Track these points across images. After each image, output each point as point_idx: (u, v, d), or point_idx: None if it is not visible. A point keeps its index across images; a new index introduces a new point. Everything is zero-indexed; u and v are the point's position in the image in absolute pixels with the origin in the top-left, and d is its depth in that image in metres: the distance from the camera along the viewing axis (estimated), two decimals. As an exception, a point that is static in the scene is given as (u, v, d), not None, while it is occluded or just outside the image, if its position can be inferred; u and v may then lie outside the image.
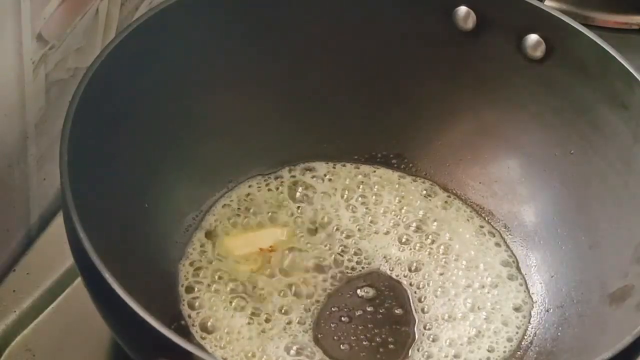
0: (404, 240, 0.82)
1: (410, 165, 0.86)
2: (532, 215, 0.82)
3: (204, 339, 0.74)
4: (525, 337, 0.77)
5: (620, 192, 0.77)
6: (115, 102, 0.73)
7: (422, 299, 0.79)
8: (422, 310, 0.78)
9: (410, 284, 0.79)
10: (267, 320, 0.75)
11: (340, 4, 0.81)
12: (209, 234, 0.80)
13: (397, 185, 0.85)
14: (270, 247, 0.80)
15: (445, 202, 0.84)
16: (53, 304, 0.79)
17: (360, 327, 0.77)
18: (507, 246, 0.82)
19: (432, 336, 0.76)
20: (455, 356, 0.75)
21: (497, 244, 0.82)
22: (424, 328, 0.77)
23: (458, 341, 0.76)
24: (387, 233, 0.82)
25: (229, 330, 0.74)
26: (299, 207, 0.83)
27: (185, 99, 0.79)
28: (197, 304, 0.76)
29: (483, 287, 0.79)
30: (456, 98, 0.83)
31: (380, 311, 0.78)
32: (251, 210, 0.82)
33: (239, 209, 0.82)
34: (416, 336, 0.76)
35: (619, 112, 0.77)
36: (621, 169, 0.77)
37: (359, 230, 0.82)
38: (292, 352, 0.74)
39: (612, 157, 0.78)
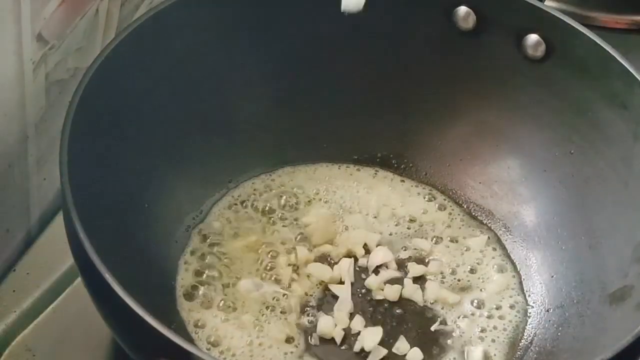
0: (407, 241, 0.82)
1: (411, 165, 0.86)
2: (532, 215, 0.82)
3: (209, 350, 0.74)
4: (525, 337, 0.77)
5: (620, 192, 0.77)
6: (115, 102, 0.73)
7: (431, 298, 0.79)
8: (437, 307, 0.78)
9: (420, 284, 0.79)
10: (265, 321, 0.75)
11: (340, 4, 0.81)
12: (209, 234, 0.80)
13: (397, 187, 0.85)
14: (271, 247, 0.80)
15: (445, 204, 0.84)
16: (53, 304, 0.79)
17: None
18: (505, 248, 0.82)
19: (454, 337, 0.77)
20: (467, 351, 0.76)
21: (494, 249, 0.82)
22: (456, 333, 0.77)
23: (470, 336, 0.77)
24: (390, 235, 0.82)
25: (227, 334, 0.74)
26: (299, 208, 0.83)
27: (185, 98, 0.79)
28: (196, 304, 0.76)
29: (483, 289, 0.79)
30: (456, 98, 0.83)
31: (381, 310, 0.78)
32: (251, 211, 0.82)
33: (239, 209, 0.82)
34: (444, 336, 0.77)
35: (619, 112, 0.77)
36: (621, 169, 0.77)
37: (362, 232, 0.82)
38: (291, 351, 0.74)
39: (612, 157, 0.78)
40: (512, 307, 0.79)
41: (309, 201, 0.83)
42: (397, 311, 0.78)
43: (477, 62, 0.82)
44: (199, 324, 0.74)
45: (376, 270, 0.80)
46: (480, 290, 0.79)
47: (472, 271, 0.81)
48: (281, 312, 0.76)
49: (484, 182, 0.84)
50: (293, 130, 0.84)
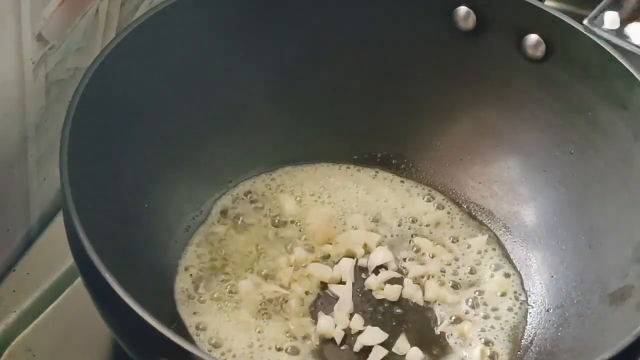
0: (407, 241, 0.82)
1: (410, 165, 0.86)
2: (532, 215, 0.82)
3: (210, 352, 0.74)
4: (525, 337, 0.77)
5: (620, 192, 0.77)
6: (115, 102, 0.73)
7: (431, 298, 0.79)
8: (437, 307, 0.78)
9: (420, 284, 0.79)
10: (265, 322, 0.76)
11: (340, 4, 0.81)
12: (209, 234, 0.80)
13: (398, 188, 0.85)
14: (271, 248, 0.80)
15: (445, 204, 0.84)
16: (53, 304, 0.79)
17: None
18: (505, 248, 0.82)
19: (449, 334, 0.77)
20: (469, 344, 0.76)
21: (494, 249, 0.82)
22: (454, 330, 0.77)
23: (469, 336, 0.77)
24: (390, 235, 0.82)
25: (228, 335, 0.74)
26: (299, 208, 0.83)
27: (185, 98, 0.79)
28: (196, 305, 0.76)
29: (482, 289, 0.79)
30: (456, 98, 0.83)
31: (381, 310, 0.78)
32: (251, 211, 0.82)
33: (239, 209, 0.82)
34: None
35: (619, 112, 0.77)
36: (621, 169, 0.77)
37: (362, 232, 0.82)
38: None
39: (612, 157, 0.78)
40: (511, 307, 0.79)
41: (309, 201, 0.83)
42: (397, 311, 0.78)
43: (477, 62, 0.82)
44: (200, 326, 0.74)
45: (376, 270, 0.80)
46: (480, 290, 0.79)
47: (472, 271, 0.81)
48: (281, 313, 0.76)
49: (484, 182, 0.84)
50: (293, 130, 0.84)
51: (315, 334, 0.75)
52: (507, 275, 0.80)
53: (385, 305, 0.78)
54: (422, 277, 0.80)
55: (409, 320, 0.78)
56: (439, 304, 0.79)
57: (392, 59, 0.83)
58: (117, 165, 0.73)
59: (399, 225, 0.83)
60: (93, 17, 0.80)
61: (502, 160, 0.84)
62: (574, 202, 0.80)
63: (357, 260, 0.80)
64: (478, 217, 0.84)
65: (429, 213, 0.84)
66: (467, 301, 0.79)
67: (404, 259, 0.81)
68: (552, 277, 0.80)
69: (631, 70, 0.75)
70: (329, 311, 0.77)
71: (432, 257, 0.81)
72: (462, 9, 0.80)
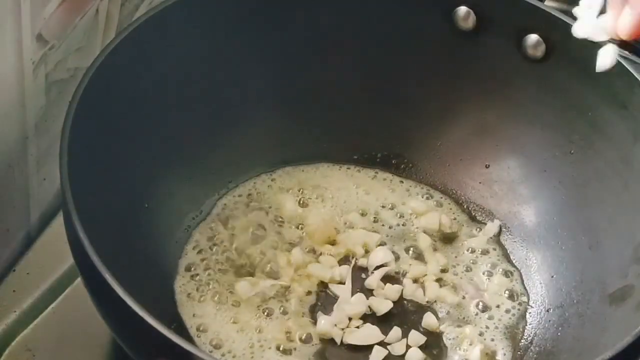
0: (406, 241, 0.82)
1: (410, 165, 0.86)
2: (532, 215, 0.82)
3: (211, 353, 0.74)
4: (525, 337, 0.77)
5: (620, 192, 0.77)
6: (115, 102, 0.73)
7: (431, 298, 0.79)
8: (437, 307, 0.78)
9: (419, 284, 0.79)
10: (265, 322, 0.76)
11: (340, 4, 0.81)
12: (209, 234, 0.80)
13: (397, 188, 0.85)
14: (271, 248, 0.80)
15: (445, 204, 0.84)
16: (53, 304, 0.79)
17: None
18: (505, 248, 0.82)
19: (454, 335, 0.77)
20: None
21: (494, 249, 0.82)
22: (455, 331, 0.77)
23: (469, 336, 0.77)
24: (390, 235, 0.82)
25: (229, 337, 0.74)
26: (299, 208, 0.83)
27: (185, 99, 0.79)
28: (196, 305, 0.76)
29: (482, 289, 0.79)
30: (456, 98, 0.83)
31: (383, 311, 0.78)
32: (251, 211, 0.82)
33: (239, 209, 0.82)
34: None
35: (619, 112, 0.77)
36: (621, 169, 0.77)
37: (362, 232, 0.82)
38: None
39: (612, 157, 0.78)
40: (511, 307, 0.79)
41: (309, 201, 0.83)
42: (397, 311, 0.78)
43: (477, 62, 0.82)
44: (201, 328, 0.74)
45: (376, 270, 0.80)
46: (480, 290, 0.79)
47: (471, 271, 0.81)
48: (281, 313, 0.76)
49: (484, 182, 0.84)
50: (293, 130, 0.84)
51: (315, 333, 0.75)
52: (507, 275, 0.81)
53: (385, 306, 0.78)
54: (422, 277, 0.80)
55: (409, 320, 0.78)
56: (438, 304, 0.79)
57: (392, 58, 0.83)
58: (117, 165, 0.73)
59: (398, 225, 0.83)
60: (93, 17, 0.80)
61: (502, 160, 0.84)
62: (574, 202, 0.80)
63: (357, 260, 0.80)
64: (478, 217, 0.84)
65: (429, 213, 0.84)
66: (467, 301, 0.79)
67: (404, 259, 0.81)
68: (552, 277, 0.80)
69: (631, 70, 0.75)
70: (329, 311, 0.77)
71: (432, 257, 0.81)
72: (462, 9, 0.80)
